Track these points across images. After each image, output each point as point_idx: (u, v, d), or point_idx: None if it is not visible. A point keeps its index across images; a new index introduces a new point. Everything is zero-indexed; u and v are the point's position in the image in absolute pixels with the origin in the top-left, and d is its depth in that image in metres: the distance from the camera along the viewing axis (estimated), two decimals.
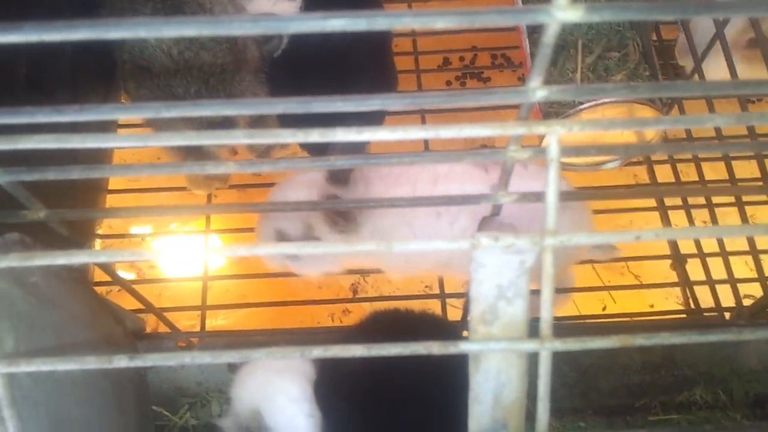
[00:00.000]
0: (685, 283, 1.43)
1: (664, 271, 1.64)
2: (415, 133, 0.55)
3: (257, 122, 1.46)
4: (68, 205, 0.93)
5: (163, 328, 1.30)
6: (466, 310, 1.18)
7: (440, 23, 0.44)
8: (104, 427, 0.94)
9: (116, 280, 0.95)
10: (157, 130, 1.33)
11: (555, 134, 0.55)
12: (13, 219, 0.74)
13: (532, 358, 0.65)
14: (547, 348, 0.60)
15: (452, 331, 1.22)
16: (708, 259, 1.42)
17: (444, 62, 2.10)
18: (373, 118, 1.52)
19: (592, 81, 1.51)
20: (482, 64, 2.12)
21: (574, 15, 0.43)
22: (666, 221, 1.51)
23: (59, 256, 0.58)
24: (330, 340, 1.22)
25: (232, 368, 1.32)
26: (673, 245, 1.50)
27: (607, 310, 1.79)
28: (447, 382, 1.04)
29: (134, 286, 1.37)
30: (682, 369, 1.31)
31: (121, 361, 0.61)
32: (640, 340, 0.62)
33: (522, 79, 2.02)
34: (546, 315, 0.60)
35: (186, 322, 1.47)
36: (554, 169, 0.56)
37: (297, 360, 1.11)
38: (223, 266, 1.73)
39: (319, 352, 0.61)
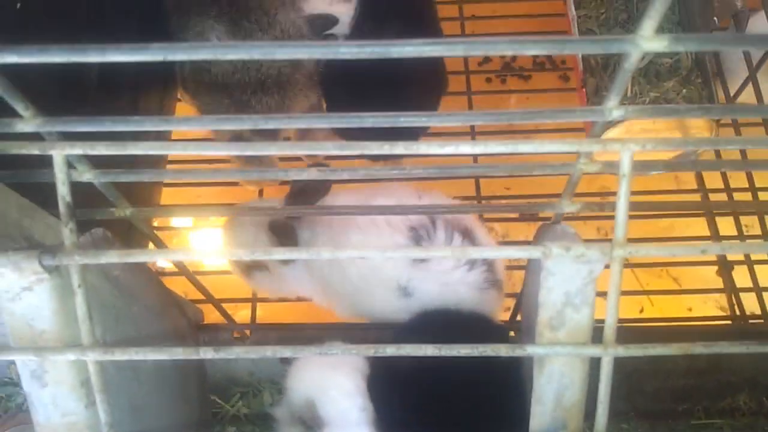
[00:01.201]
0: (732, 289, 1.44)
1: (702, 274, 1.64)
2: (495, 147, 0.58)
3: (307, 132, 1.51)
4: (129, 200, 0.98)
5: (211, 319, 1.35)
6: (515, 311, 1.20)
7: (533, 50, 0.47)
8: (172, 414, 0.98)
9: (185, 273, 0.99)
10: (216, 135, 1.38)
11: (629, 151, 0.58)
12: (101, 216, 0.79)
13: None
14: (610, 354, 0.63)
15: (500, 331, 1.25)
16: (756, 266, 1.43)
17: (484, 59, 2.10)
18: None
19: (643, 86, 1.52)
20: (523, 63, 2.13)
21: (659, 45, 0.46)
22: (713, 227, 1.52)
23: (156, 254, 0.62)
24: (381, 336, 1.26)
25: (284, 360, 1.36)
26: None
27: (644, 313, 1.80)
28: (499, 380, 1.07)
29: (173, 278, 1.43)
30: (727, 375, 1.32)
31: (208, 353, 0.65)
32: (700, 348, 0.64)
33: (563, 78, 2.03)
34: (610, 321, 0.63)
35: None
36: (626, 183, 0.59)
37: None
38: None
39: (393, 350, 0.65)
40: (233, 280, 1.79)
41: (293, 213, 1.17)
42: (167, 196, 1.64)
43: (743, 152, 1.48)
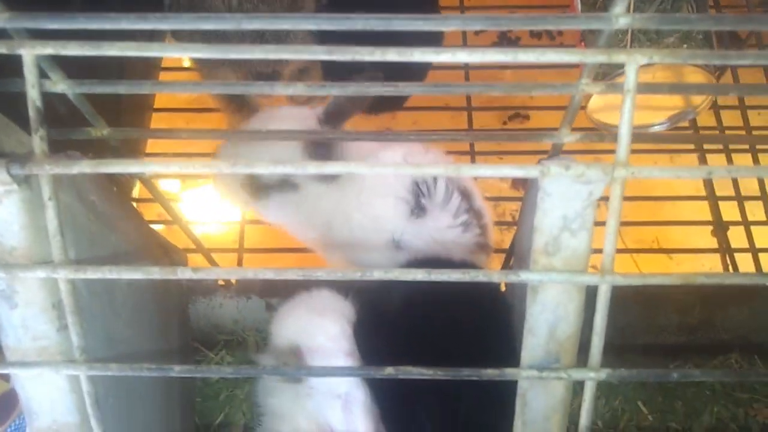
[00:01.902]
0: (727, 249, 1.42)
1: (694, 243, 1.62)
2: (493, 55, 0.55)
3: (302, 74, 1.46)
4: (116, 124, 0.94)
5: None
6: (505, 262, 1.18)
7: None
8: (151, 350, 0.96)
9: (174, 218, 0.96)
10: (204, 75, 1.34)
11: (635, 63, 0.54)
12: (77, 135, 0.75)
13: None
14: (607, 281, 0.61)
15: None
16: (752, 227, 1.41)
17: (480, 30, 2.07)
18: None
19: (644, 43, 1.48)
20: (519, 31, 2.09)
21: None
22: (716, 211, 1.49)
23: (132, 165, 0.59)
24: (370, 283, 1.23)
25: (269, 307, 1.34)
26: (716, 212, 1.49)
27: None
28: (487, 325, 1.05)
29: (167, 227, 1.38)
30: (720, 333, 1.30)
31: (186, 273, 0.62)
32: (702, 279, 0.61)
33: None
34: (609, 248, 0.60)
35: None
36: (630, 99, 0.55)
37: (337, 299, 1.12)
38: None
39: (380, 273, 0.62)
40: (219, 233, 1.77)
41: (301, 138, 1.12)
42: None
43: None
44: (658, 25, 0.53)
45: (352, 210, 1.24)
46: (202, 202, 1.83)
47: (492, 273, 0.61)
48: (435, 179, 1.20)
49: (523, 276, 0.60)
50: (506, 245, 1.82)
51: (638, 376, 0.66)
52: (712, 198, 1.52)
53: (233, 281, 1.36)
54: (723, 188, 1.54)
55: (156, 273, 0.62)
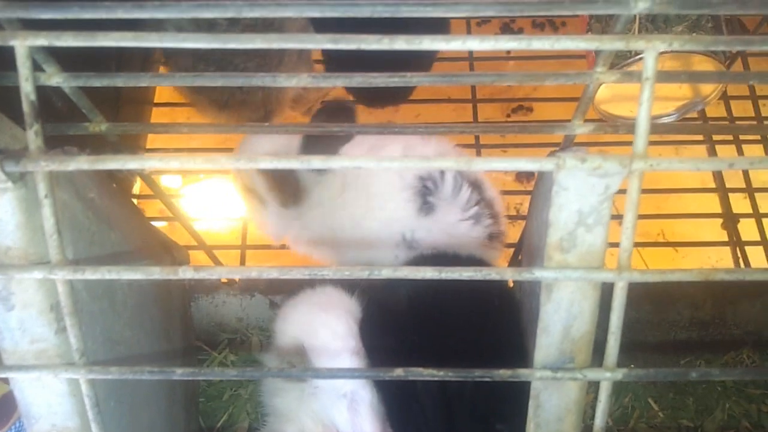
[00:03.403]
0: (737, 242, 1.39)
1: (702, 236, 1.60)
2: (506, 42, 0.52)
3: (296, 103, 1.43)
4: (115, 119, 0.91)
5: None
6: (514, 257, 1.16)
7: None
8: (152, 352, 0.93)
9: (175, 215, 0.94)
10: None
11: (653, 50, 0.52)
12: (74, 130, 0.73)
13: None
14: (624, 278, 0.58)
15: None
16: (764, 220, 1.39)
17: (483, 19, 2.04)
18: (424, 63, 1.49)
19: (651, 32, 1.46)
20: (522, 23, 2.06)
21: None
22: (726, 203, 1.46)
23: (130, 161, 0.57)
24: (376, 280, 1.21)
25: (273, 305, 1.32)
26: (726, 204, 1.46)
27: None
28: (496, 322, 1.03)
29: (168, 224, 1.36)
30: (731, 328, 1.28)
31: (187, 273, 0.60)
32: (722, 275, 0.59)
33: None
34: (626, 244, 0.58)
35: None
36: (649, 88, 0.53)
37: (343, 296, 1.10)
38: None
39: (389, 272, 0.60)
40: (222, 230, 1.75)
41: (307, 132, 1.09)
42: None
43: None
44: (679, 8, 0.51)
45: (362, 218, 1.22)
46: (204, 198, 1.81)
47: (505, 270, 0.58)
48: (442, 173, 1.17)
49: (538, 273, 0.58)
50: (511, 239, 1.80)
51: (655, 375, 0.63)
52: (722, 189, 1.49)
53: (236, 279, 1.34)
54: (732, 180, 1.52)
55: (157, 273, 0.60)
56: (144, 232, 0.96)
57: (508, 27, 2.05)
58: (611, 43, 0.53)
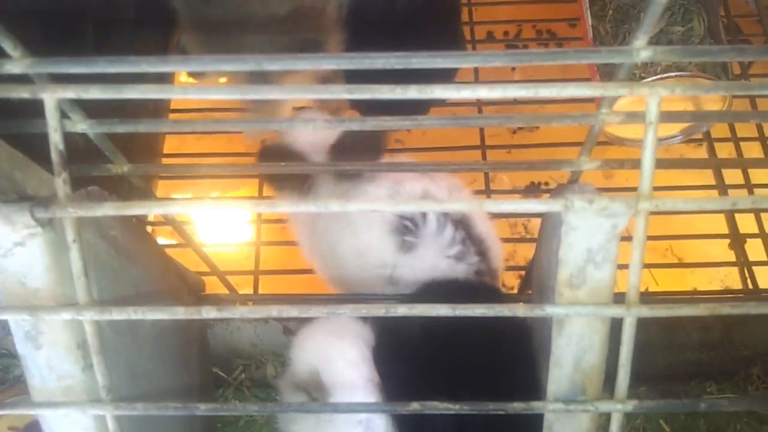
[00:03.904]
0: (744, 263, 1.40)
1: (708, 252, 1.60)
2: (514, 91, 0.54)
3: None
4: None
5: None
6: (525, 282, 1.17)
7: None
8: (172, 382, 0.96)
9: (188, 242, 0.96)
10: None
11: (656, 96, 0.54)
12: (98, 172, 0.75)
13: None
14: (633, 314, 0.60)
15: (507, 301, 1.22)
16: None
17: (488, 36, 2.06)
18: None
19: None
20: (526, 38, 2.08)
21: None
22: (732, 223, 1.47)
23: (156, 206, 0.59)
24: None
25: (287, 331, 1.34)
26: (732, 224, 1.48)
27: (648, 291, 1.77)
28: (507, 349, 1.04)
29: (177, 249, 1.38)
30: (740, 349, 1.29)
31: (210, 313, 0.62)
32: (728, 309, 0.61)
33: None
34: (633, 281, 0.60)
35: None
36: (653, 131, 0.55)
37: (357, 324, 1.12)
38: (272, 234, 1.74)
39: (404, 310, 0.62)
40: (234, 254, 1.77)
41: (304, 171, 1.12)
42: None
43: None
44: (680, 57, 0.53)
45: (337, 243, 1.24)
46: (216, 223, 1.83)
47: (517, 307, 0.60)
48: (424, 213, 1.17)
49: (549, 310, 0.60)
50: (519, 258, 1.82)
51: (665, 407, 0.65)
52: (729, 210, 1.50)
53: (250, 304, 1.36)
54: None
55: (181, 313, 0.62)
56: (161, 263, 0.98)
57: (511, 41, 2.08)
58: (615, 90, 0.55)
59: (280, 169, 1.04)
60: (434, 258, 1.18)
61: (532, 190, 1.92)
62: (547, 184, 1.92)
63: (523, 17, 2.03)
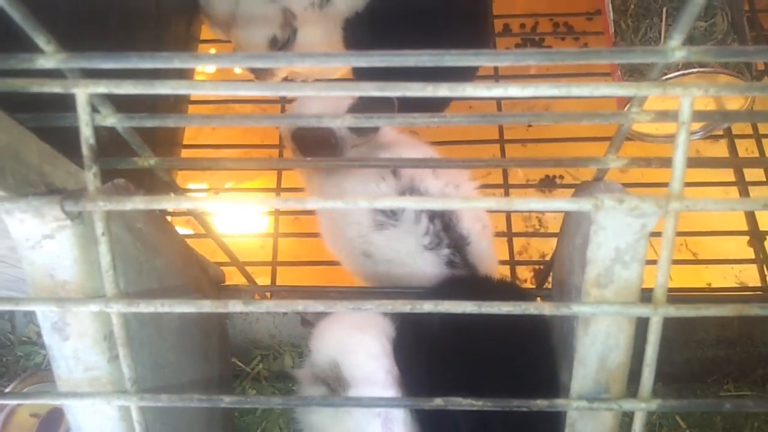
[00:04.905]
0: (764, 260, 1.40)
1: (723, 248, 1.60)
2: (546, 90, 0.54)
3: None
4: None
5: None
6: (544, 277, 1.17)
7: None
8: (193, 372, 0.96)
9: (209, 233, 0.97)
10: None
11: (690, 96, 0.54)
12: (125, 165, 0.76)
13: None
14: (659, 314, 0.60)
15: (527, 297, 1.22)
16: None
17: (504, 28, 2.05)
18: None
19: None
20: (543, 31, 2.07)
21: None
22: (752, 220, 1.46)
23: (183, 201, 0.59)
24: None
25: (305, 323, 1.34)
26: (752, 221, 1.47)
27: None
28: (528, 344, 1.04)
29: (194, 239, 1.39)
30: (758, 346, 1.28)
31: (237, 306, 0.62)
32: (756, 310, 0.61)
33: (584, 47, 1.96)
34: (661, 280, 0.59)
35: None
36: (685, 131, 0.55)
37: (377, 316, 1.12)
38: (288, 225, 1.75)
39: (430, 306, 0.62)
40: (250, 244, 1.77)
41: (312, 165, 1.12)
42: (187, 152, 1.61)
43: None
44: (715, 57, 0.52)
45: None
46: (235, 213, 1.84)
47: (543, 306, 0.60)
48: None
49: (575, 308, 0.60)
50: (533, 251, 1.81)
51: (689, 406, 0.65)
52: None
53: (268, 295, 1.37)
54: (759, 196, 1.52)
55: (207, 306, 0.63)
56: (183, 254, 0.98)
57: (528, 37, 2.06)
58: (648, 90, 0.54)
59: (305, 163, 1.04)
60: (408, 244, 1.22)
61: (547, 183, 1.92)
62: (562, 177, 1.92)
63: (539, 10, 2.02)
